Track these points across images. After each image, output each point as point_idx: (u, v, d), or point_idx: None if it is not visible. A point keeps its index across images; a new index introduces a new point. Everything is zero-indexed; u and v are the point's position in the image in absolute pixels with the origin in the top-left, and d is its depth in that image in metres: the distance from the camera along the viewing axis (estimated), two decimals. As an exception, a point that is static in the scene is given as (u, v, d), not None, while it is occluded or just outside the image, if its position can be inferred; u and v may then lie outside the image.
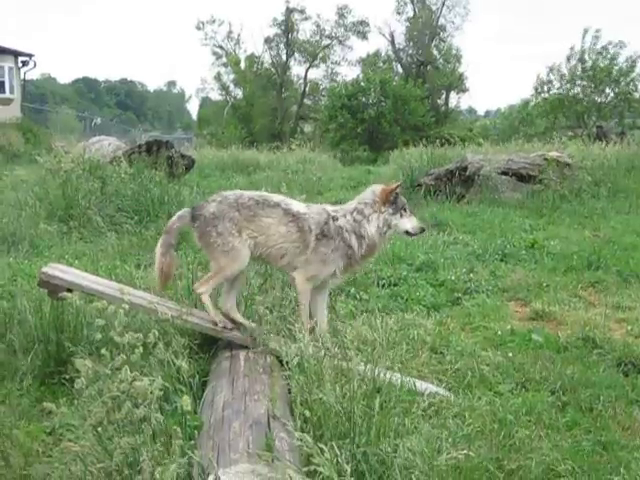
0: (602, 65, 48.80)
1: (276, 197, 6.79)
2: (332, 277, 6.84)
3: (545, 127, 47.60)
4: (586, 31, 49.74)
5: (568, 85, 50.47)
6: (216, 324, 6.56)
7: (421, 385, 6.34)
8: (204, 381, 6.04)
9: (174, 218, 6.82)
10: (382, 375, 5.34)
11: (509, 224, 14.40)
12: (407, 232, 6.97)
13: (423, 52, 65.64)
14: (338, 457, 4.13)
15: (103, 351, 4.46)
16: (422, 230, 7.15)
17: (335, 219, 6.70)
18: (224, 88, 70.66)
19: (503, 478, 5.06)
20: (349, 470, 4.05)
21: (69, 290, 6.87)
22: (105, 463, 4.22)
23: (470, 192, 17.84)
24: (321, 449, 4.13)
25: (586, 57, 49.68)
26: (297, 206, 6.74)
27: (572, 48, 50.87)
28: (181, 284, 7.51)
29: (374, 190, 6.90)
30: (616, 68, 48.92)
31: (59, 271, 6.96)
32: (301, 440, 4.26)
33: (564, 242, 12.59)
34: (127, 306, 4.95)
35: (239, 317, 6.75)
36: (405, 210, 6.89)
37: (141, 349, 4.48)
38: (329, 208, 6.87)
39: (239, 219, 6.51)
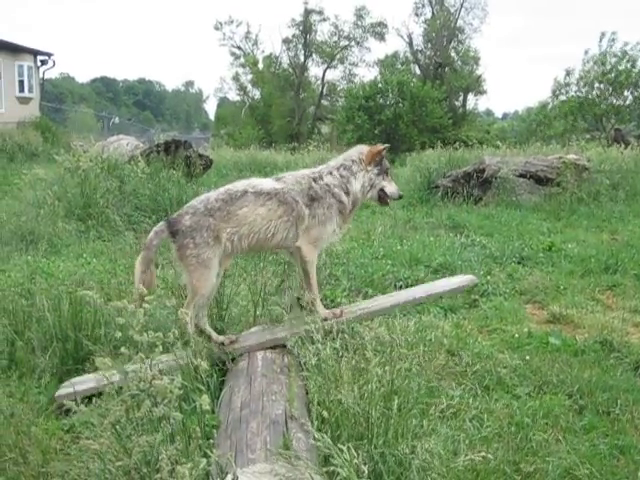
0: (621, 68, 48.53)
1: (240, 185, 6.77)
2: (332, 235, 6.92)
3: (564, 130, 47.46)
4: (603, 35, 49.64)
5: (586, 88, 50.23)
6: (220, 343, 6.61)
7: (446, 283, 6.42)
8: (222, 380, 6.07)
9: (151, 234, 6.71)
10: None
11: (526, 227, 14.38)
12: (386, 194, 7.08)
13: (441, 54, 65.57)
14: (356, 458, 4.14)
15: (123, 349, 4.47)
16: (400, 196, 7.32)
17: (319, 179, 6.77)
18: (242, 88, 70.80)
19: (520, 481, 5.07)
20: (367, 472, 4.06)
21: (90, 399, 6.79)
22: (123, 461, 4.22)
23: (487, 194, 17.82)
24: (340, 450, 4.14)
25: (606, 60, 49.39)
26: (267, 184, 6.74)
27: (587, 52, 50.80)
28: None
29: (361, 150, 7.04)
30: (635, 71, 48.66)
31: (71, 386, 6.87)
32: (320, 441, 4.27)
33: (582, 245, 12.57)
34: (147, 305, 4.94)
35: (208, 329, 6.76)
36: (387, 174, 7.06)
37: (160, 348, 4.49)
38: (308, 172, 6.92)
39: (215, 224, 6.48)
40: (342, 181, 6.77)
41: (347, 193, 6.79)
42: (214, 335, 6.71)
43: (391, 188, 7.09)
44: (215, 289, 6.84)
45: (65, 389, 6.65)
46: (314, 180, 6.74)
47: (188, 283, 6.61)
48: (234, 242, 6.54)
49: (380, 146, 7.00)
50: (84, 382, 6.61)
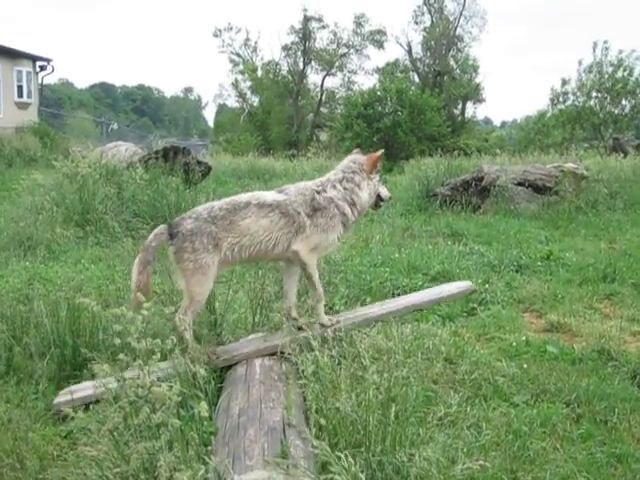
0: (617, 77, 48.53)
1: (244, 196, 6.78)
2: (332, 245, 6.94)
3: (563, 138, 47.47)
4: (596, 44, 49.68)
5: (584, 97, 50.23)
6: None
7: (443, 289, 6.41)
8: (220, 387, 6.06)
9: (151, 236, 6.69)
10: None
11: (525, 235, 14.38)
12: (381, 198, 7.14)
13: (440, 62, 65.65)
14: (353, 466, 4.14)
15: (121, 356, 4.47)
16: (390, 198, 7.41)
17: (322, 192, 6.76)
18: (241, 95, 70.84)
19: (518, 489, 5.08)
20: (364, 479, 4.06)
21: (87, 405, 6.80)
22: (121, 468, 4.22)
23: (486, 203, 17.84)
24: (337, 457, 4.14)
25: (603, 69, 49.41)
26: (270, 196, 6.73)
27: (580, 62, 50.88)
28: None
29: (356, 159, 7.03)
30: (632, 79, 48.69)
31: (69, 394, 6.85)
32: (318, 448, 4.27)
33: (580, 254, 12.58)
34: (146, 312, 4.94)
35: (190, 338, 6.51)
36: (380, 178, 7.12)
37: (158, 355, 4.49)
38: (311, 184, 6.91)
39: (216, 232, 6.46)
40: (346, 193, 6.77)
41: (352, 204, 6.79)
42: (191, 343, 6.48)
43: (385, 192, 7.18)
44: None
45: (64, 397, 6.63)
46: (317, 192, 6.73)
47: (184, 289, 6.56)
48: (234, 252, 6.53)
49: (378, 153, 7.02)
50: (82, 390, 6.60)
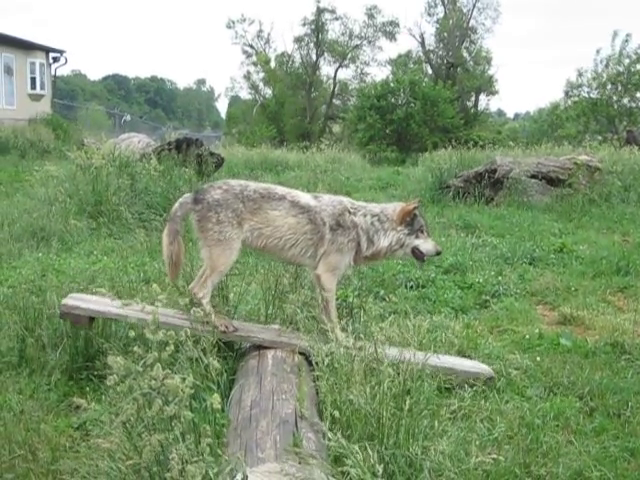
0: (633, 69, 48.18)
1: (281, 189, 6.82)
2: (348, 267, 6.93)
3: (577, 131, 47.25)
4: (616, 34, 49.27)
5: (599, 89, 49.91)
6: (216, 327, 6.43)
7: (462, 362, 6.36)
8: (232, 379, 6.05)
9: (176, 205, 6.78)
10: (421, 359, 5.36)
11: (538, 227, 14.34)
12: (421, 252, 6.88)
13: (453, 54, 65.47)
14: (371, 457, 4.14)
15: (135, 348, 4.46)
16: (438, 253, 7.14)
17: (353, 214, 6.74)
18: (253, 87, 70.78)
19: (531, 483, 5.06)
20: (381, 471, 4.05)
21: (92, 319, 6.86)
22: (134, 460, 4.21)
23: (499, 195, 17.80)
24: (353, 449, 4.14)
25: (620, 61, 49.02)
26: (305, 198, 6.76)
27: (599, 52, 50.46)
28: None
29: (396, 208, 6.91)
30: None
31: (79, 301, 6.92)
32: (332, 440, 4.27)
33: (593, 246, 12.54)
34: (160, 304, 4.94)
35: (208, 305, 6.57)
36: (422, 232, 6.89)
37: (172, 347, 4.48)
38: (347, 202, 6.89)
39: (242, 211, 6.51)
40: (370, 228, 6.73)
41: (370, 241, 6.74)
42: (213, 315, 6.50)
43: (426, 246, 6.90)
44: None
45: (72, 300, 6.84)
46: (348, 212, 6.73)
47: (207, 258, 6.60)
48: (253, 236, 6.57)
49: (411, 205, 6.85)
50: (89, 302, 6.92)
